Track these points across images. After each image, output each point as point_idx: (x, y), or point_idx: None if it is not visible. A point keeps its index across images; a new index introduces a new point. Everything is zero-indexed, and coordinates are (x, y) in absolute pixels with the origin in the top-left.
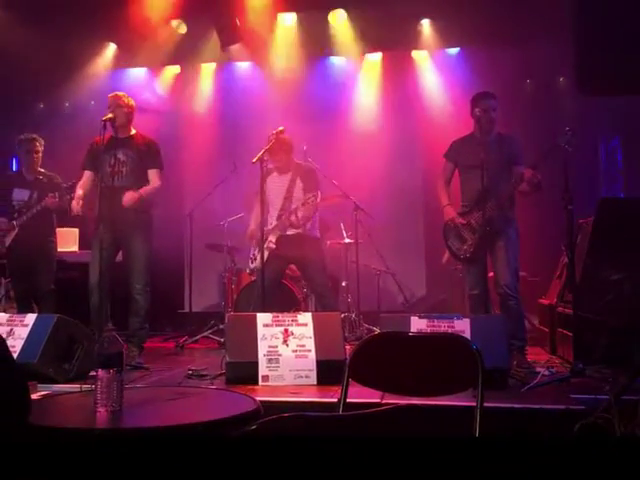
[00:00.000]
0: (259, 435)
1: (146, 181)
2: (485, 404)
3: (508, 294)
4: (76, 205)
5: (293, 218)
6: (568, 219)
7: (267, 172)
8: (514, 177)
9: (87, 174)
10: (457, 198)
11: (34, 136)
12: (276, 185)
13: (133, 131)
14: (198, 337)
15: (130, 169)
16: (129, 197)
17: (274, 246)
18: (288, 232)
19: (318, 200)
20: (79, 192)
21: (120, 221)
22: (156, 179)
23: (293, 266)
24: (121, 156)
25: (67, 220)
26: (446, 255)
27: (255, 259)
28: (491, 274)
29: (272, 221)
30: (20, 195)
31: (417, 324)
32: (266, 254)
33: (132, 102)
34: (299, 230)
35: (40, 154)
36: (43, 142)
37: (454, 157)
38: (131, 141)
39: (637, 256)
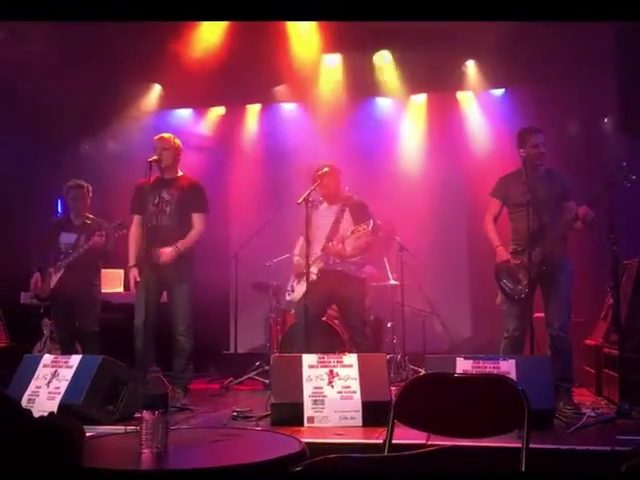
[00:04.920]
0: (305, 476)
1: (189, 222)
2: (530, 445)
3: (561, 336)
4: (133, 285)
5: (340, 247)
6: (613, 260)
7: (314, 205)
8: (568, 214)
9: (136, 219)
10: (504, 237)
11: (81, 183)
12: (323, 216)
13: (180, 172)
14: (243, 378)
15: (174, 208)
16: (165, 254)
17: (316, 277)
18: (333, 267)
19: (370, 228)
20: (132, 261)
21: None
22: (199, 223)
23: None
24: (165, 195)
25: (112, 261)
26: (500, 296)
27: (293, 291)
28: (537, 314)
29: (317, 252)
30: (67, 239)
31: (462, 365)
32: (306, 286)
33: (178, 143)
34: (343, 268)
35: (88, 200)
36: (91, 188)
37: (502, 195)
38: (176, 182)
39: None
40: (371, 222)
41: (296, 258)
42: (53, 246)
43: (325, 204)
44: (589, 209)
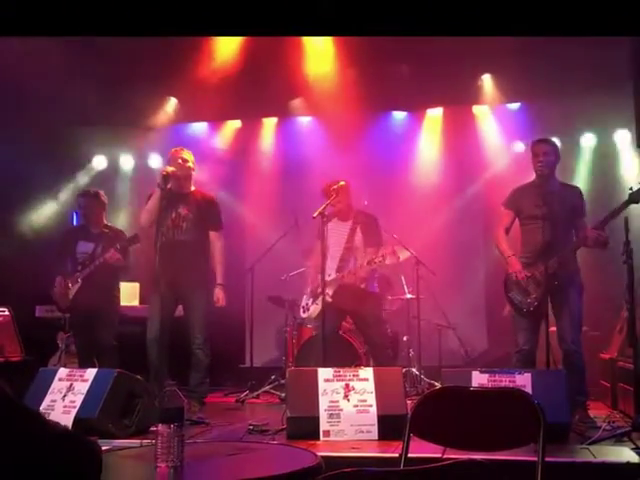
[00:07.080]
0: None
1: (205, 238)
2: (546, 459)
3: (574, 350)
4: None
5: (352, 278)
6: (629, 273)
7: (327, 219)
8: (579, 234)
9: None
10: (514, 249)
11: (96, 191)
12: (336, 232)
13: (193, 187)
14: (259, 392)
15: (191, 224)
16: (220, 299)
17: (330, 300)
18: (345, 282)
19: (387, 262)
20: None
21: (180, 275)
22: (217, 241)
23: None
24: (182, 211)
25: (128, 275)
26: (507, 308)
27: (307, 309)
28: (553, 328)
29: (331, 272)
30: (84, 248)
31: (478, 379)
32: (321, 304)
33: (193, 157)
34: (356, 283)
35: (102, 209)
36: (106, 197)
37: (515, 206)
38: (192, 197)
39: None
40: (387, 255)
41: (314, 277)
42: (70, 254)
43: (336, 219)
44: (599, 232)
